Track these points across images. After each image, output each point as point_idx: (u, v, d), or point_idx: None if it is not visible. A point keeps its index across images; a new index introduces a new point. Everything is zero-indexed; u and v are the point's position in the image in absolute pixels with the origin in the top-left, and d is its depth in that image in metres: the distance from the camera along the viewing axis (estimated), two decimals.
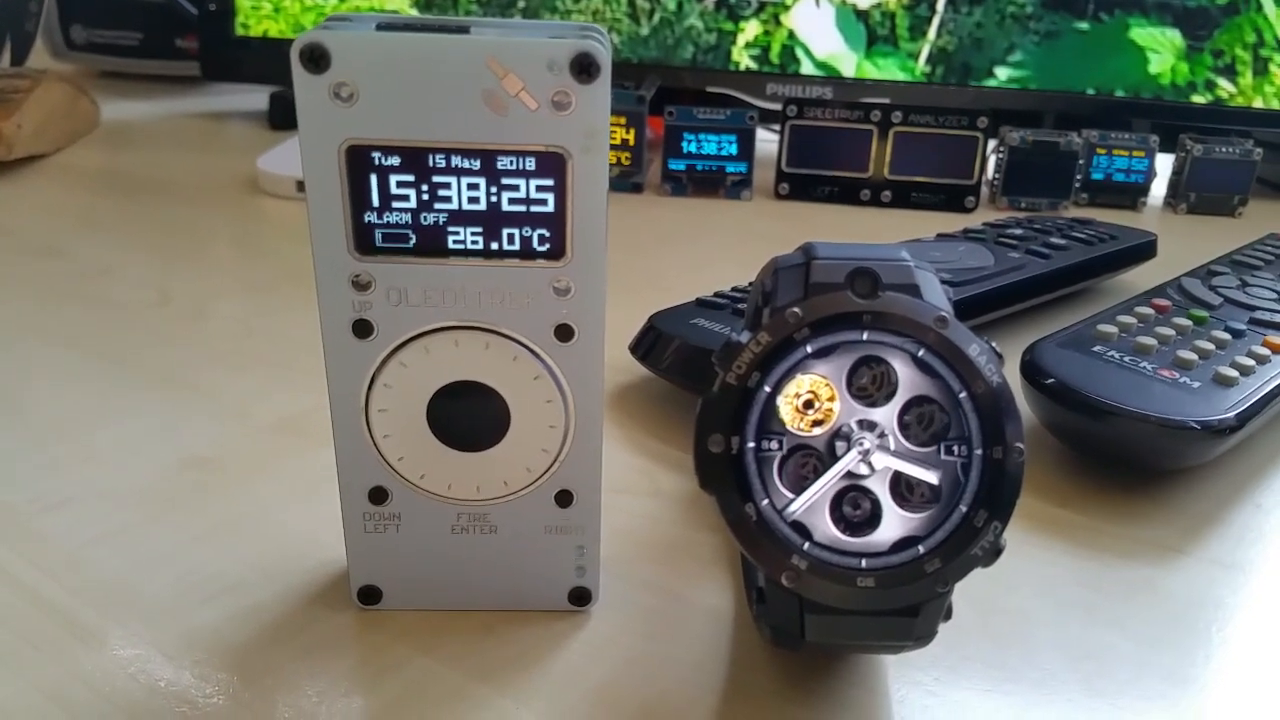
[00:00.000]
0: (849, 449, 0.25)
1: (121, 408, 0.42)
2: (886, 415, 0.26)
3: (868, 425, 0.26)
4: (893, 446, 0.26)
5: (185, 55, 1.04)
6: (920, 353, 0.25)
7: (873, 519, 0.26)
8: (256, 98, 0.97)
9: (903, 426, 0.26)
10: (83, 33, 1.06)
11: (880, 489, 0.26)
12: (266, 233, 0.67)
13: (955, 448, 0.26)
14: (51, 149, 0.81)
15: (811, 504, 0.25)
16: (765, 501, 0.25)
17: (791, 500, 0.25)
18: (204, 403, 0.43)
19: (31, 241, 0.62)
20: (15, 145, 0.76)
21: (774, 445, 0.26)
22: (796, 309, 0.25)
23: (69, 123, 0.84)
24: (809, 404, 0.26)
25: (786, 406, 0.26)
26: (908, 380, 0.26)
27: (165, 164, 0.81)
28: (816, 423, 0.26)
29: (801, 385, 0.26)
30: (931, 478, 0.25)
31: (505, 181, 0.25)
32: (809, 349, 0.25)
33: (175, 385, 0.44)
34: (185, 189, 0.74)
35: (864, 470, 0.25)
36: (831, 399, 0.26)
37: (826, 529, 0.26)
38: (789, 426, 0.26)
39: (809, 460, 0.26)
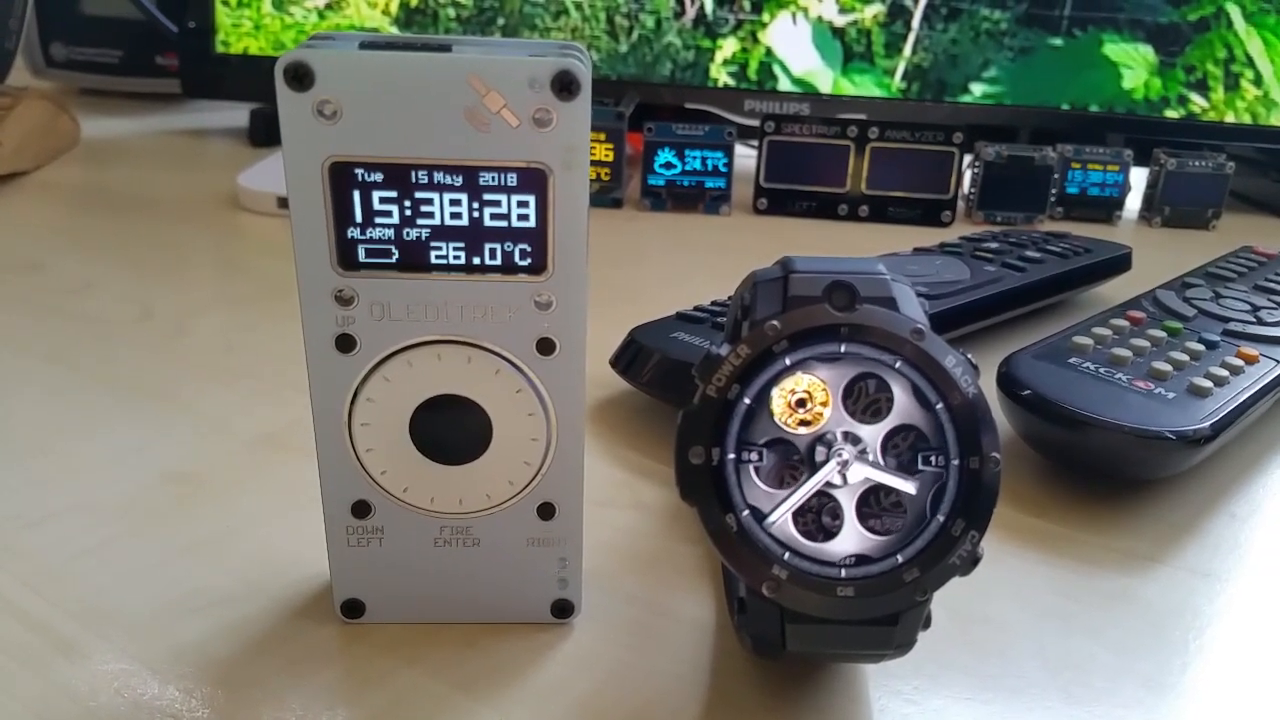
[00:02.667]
0: (829, 458, 0.26)
1: (103, 422, 0.42)
2: (873, 434, 0.26)
3: (852, 438, 0.26)
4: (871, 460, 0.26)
5: (165, 73, 1.04)
6: (898, 364, 0.26)
7: (837, 529, 0.26)
8: (237, 115, 0.98)
9: (885, 449, 0.26)
10: (63, 50, 1.06)
11: (848, 503, 0.26)
12: (247, 249, 0.67)
13: (932, 458, 0.26)
14: (32, 166, 0.80)
15: (775, 497, 0.26)
16: (746, 512, 0.26)
17: (771, 510, 0.26)
18: (186, 417, 0.43)
19: (12, 257, 0.62)
20: None
21: (754, 456, 0.26)
22: (775, 322, 0.25)
23: (49, 140, 0.84)
24: (802, 402, 0.26)
25: (779, 399, 0.26)
26: (903, 407, 0.26)
27: (146, 181, 0.80)
28: (804, 422, 0.26)
29: (799, 383, 0.26)
30: (910, 488, 0.26)
31: (487, 197, 0.26)
32: (788, 361, 0.25)
33: (157, 400, 0.44)
34: (166, 205, 0.74)
35: (837, 481, 0.26)
36: (824, 404, 0.26)
37: (784, 525, 0.26)
38: (777, 419, 0.26)
39: (790, 466, 0.26)
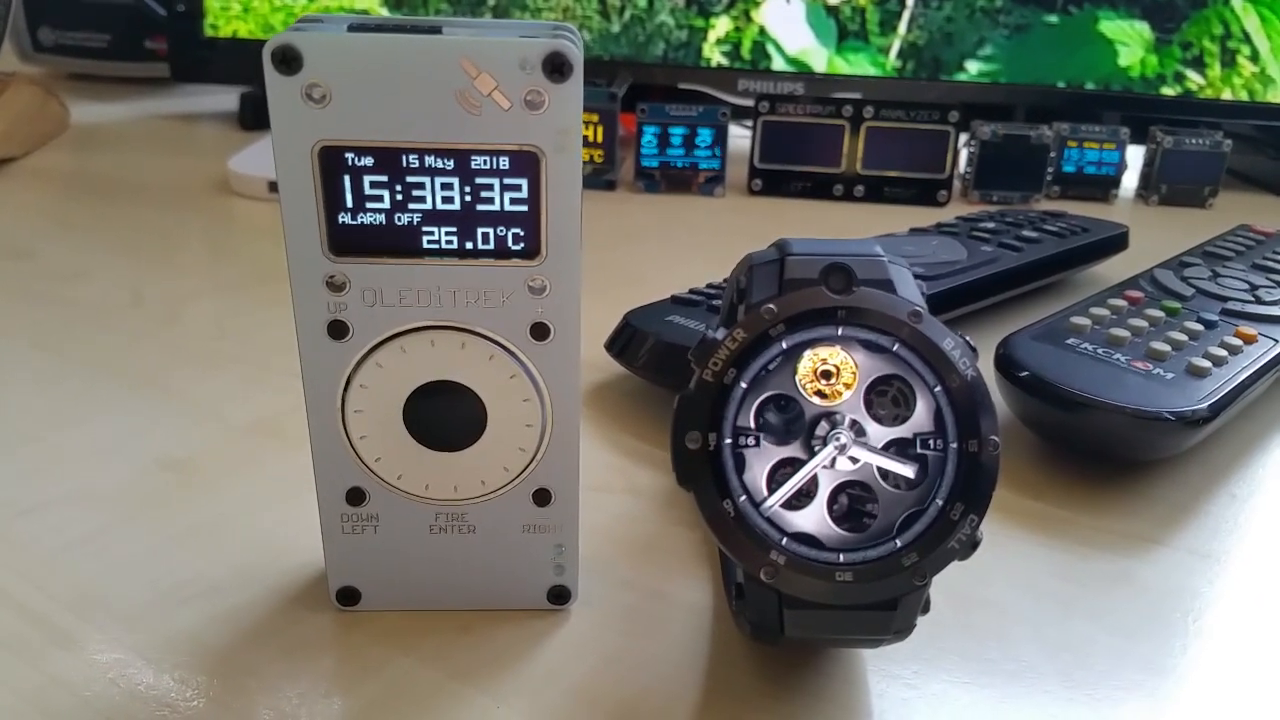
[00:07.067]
0: (828, 439, 0.25)
1: (95, 410, 0.42)
2: (879, 434, 0.26)
3: (858, 428, 0.26)
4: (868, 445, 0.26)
5: (154, 56, 1.04)
6: (895, 347, 0.25)
7: (805, 504, 0.26)
8: (226, 98, 0.97)
9: (887, 448, 0.26)
10: (51, 35, 1.05)
11: (825, 485, 0.26)
12: (238, 234, 0.67)
13: (931, 441, 0.26)
14: (21, 152, 0.80)
15: (761, 453, 0.26)
16: (743, 497, 0.25)
17: (768, 495, 0.25)
18: (179, 404, 0.42)
19: (2, 244, 0.61)
20: None
21: (751, 441, 0.26)
22: (771, 305, 0.25)
23: (38, 125, 0.83)
24: (828, 374, 0.26)
25: (809, 361, 0.26)
26: (920, 418, 0.26)
27: (136, 166, 0.80)
28: (820, 394, 0.26)
29: (834, 356, 0.26)
30: (909, 471, 0.25)
31: (479, 181, 0.25)
32: (784, 345, 0.25)
33: (149, 387, 0.44)
34: (156, 191, 0.74)
35: (827, 463, 0.26)
36: (848, 385, 0.26)
37: (758, 479, 0.26)
38: (798, 378, 0.26)
39: (785, 444, 0.26)
